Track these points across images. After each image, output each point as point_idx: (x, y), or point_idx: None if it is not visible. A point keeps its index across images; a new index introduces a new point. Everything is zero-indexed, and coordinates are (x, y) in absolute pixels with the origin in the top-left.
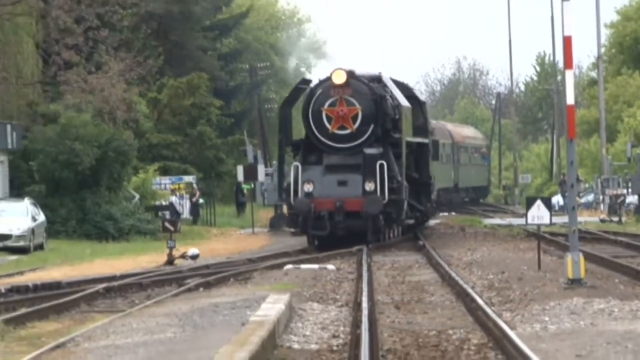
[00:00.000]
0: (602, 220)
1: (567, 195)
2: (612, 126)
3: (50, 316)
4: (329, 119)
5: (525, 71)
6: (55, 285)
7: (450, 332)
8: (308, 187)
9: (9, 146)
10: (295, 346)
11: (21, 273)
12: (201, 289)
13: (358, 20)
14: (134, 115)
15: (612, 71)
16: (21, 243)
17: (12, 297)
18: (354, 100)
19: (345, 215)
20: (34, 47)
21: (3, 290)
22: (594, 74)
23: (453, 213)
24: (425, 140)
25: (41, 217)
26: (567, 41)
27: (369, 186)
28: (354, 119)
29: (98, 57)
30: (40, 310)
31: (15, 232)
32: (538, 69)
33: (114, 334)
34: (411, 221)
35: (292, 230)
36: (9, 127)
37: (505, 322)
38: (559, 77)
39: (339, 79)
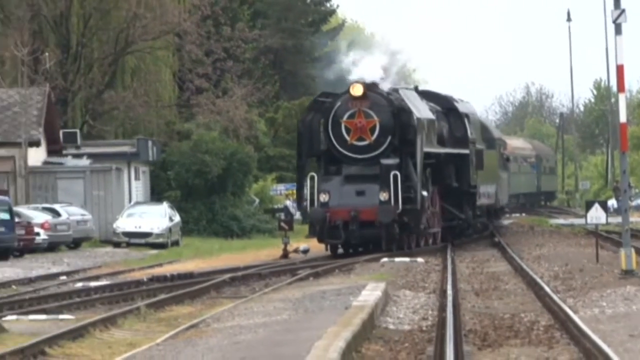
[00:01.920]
0: None
1: (620, 199)
2: None
3: (185, 301)
4: (348, 131)
5: (585, 94)
6: (189, 275)
7: (522, 315)
8: (324, 197)
9: (150, 159)
10: (391, 327)
11: (160, 265)
12: (311, 278)
13: (443, 49)
14: (254, 132)
15: None
16: (160, 240)
17: (153, 285)
18: (372, 112)
19: (360, 225)
20: (170, 75)
21: (145, 280)
22: None
23: (523, 214)
24: (465, 151)
25: (177, 218)
26: (619, 69)
27: (384, 196)
28: (372, 130)
29: (224, 84)
30: (177, 296)
31: (155, 230)
32: (595, 92)
33: (238, 316)
34: (436, 229)
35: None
36: (150, 142)
37: (569, 307)
38: (613, 99)
39: (357, 91)
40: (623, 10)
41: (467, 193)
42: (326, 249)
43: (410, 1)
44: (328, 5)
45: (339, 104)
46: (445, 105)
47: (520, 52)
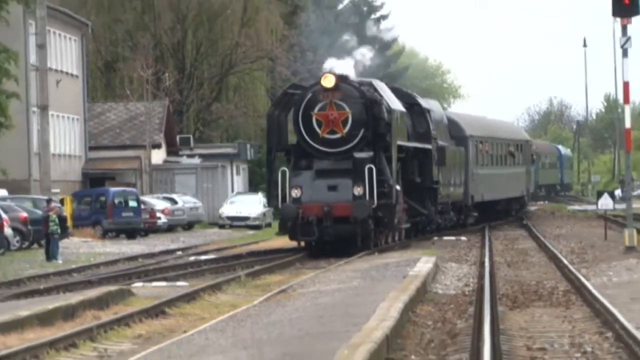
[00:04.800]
0: None
1: (624, 190)
2: None
3: (276, 271)
4: (319, 124)
5: (597, 105)
6: (279, 251)
7: (545, 282)
8: (296, 193)
9: (248, 158)
10: (439, 291)
11: (256, 242)
12: (376, 253)
13: (484, 69)
14: None
15: None
16: (256, 222)
17: (250, 258)
18: (344, 104)
19: (334, 221)
20: (264, 91)
21: (244, 254)
22: None
23: (546, 202)
24: (428, 146)
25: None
26: (625, 85)
27: (358, 191)
28: (344, 123)
29: None
30: (269, 267)
31: (252, 215)
32: (605, 104)
33: (318, 283)
34: (407, 225)
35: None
36: (248, 145)
37: (583, 276)
38: (620, 110)
39: (329, 82)
40: (629, 38)
41: (430, 189)
42: (303, 247)
43: (459, 34)
44: (390, 35)
45: (309, 95)
46: (407, 100)
47: (545, 72)
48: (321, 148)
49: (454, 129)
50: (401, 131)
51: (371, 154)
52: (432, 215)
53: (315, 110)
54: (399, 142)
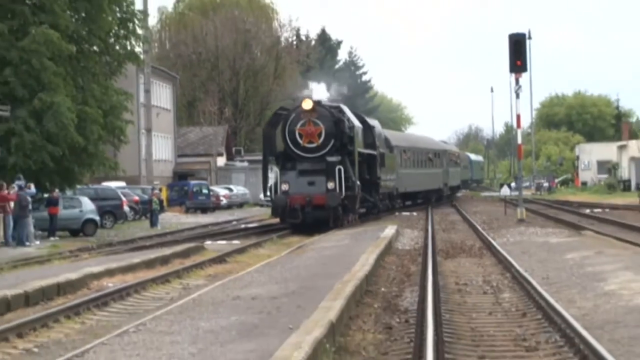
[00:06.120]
0: (533, 194)
1: (517, 183)
2: (537, 153)
3: (295, 234)
4: (301, 136)
5: (500, 129)
6: None
7: (467, 242)
8: (285, 187)
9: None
10: (400, 247)
11: None
12: (359, 223)
13: (427, 106)
14: None
15: (537, 129)
16: None
17: (280, 226)
18: (319, 122)
19: (313, 208)
20: None
21: (277, 223)
22: (529, 129)
23: (468, 190)
24: (374, 152)
25: None
26: (517, 116)
27: (330, 185)
28: (319, 135)
29: None
30: (291, 232)
31: None
32: (505, 128)
33: (322, 241)
34: (363, 210)
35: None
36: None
37: (491, 238)
38: (514, 132)
39: (308, 105)
40: (520, 86)
41: (375, 183)
42: (288, 227)
43: (414, 81)
44: (368, 84)
45: (293, 115)
46: (360, 119)
47: (467, 107)
48: (302, 154)
49: (386, 140)
50: (359, 141)
51: (339, 158)
52: (377, 202)
53: (298, 125)
54: (359, 150)
